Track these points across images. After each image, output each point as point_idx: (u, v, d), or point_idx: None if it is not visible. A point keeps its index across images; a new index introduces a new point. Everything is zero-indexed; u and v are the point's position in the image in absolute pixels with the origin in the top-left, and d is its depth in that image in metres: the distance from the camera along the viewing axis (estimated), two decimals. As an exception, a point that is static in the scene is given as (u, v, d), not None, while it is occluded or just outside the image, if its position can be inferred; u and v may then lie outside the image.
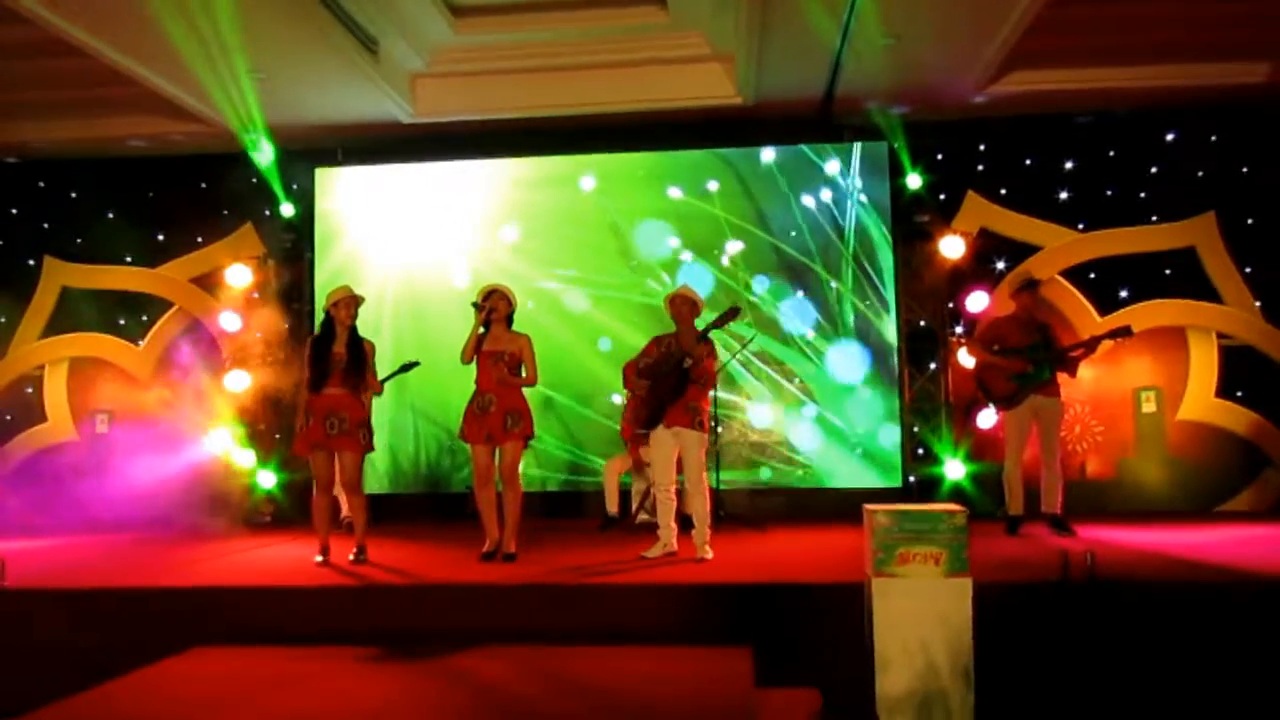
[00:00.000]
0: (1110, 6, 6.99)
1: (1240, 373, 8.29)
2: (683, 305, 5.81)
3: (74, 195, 9.45)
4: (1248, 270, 8.32)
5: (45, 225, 9.49)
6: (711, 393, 6.12)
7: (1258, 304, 8.30)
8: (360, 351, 5.83)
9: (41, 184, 9.52)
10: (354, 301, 5.89)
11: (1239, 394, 8.29)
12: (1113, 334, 6.68)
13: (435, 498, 8.75)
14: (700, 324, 5.75)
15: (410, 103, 8.34)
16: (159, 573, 5.66)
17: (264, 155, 8.53)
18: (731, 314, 5.68)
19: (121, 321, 9.30)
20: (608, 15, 7.63)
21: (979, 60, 7.47)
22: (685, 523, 5.96)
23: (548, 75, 8.14)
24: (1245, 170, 8.43)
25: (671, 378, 5.69)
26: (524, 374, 5.85)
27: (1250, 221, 8.38)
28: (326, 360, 5.77)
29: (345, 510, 6.39)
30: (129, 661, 4.34)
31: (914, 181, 8.34)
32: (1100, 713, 4.29)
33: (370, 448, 5.94)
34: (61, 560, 6.34)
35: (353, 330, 5.87)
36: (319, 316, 6.13)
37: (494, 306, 5.80)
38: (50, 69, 7.53)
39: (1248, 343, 8.30)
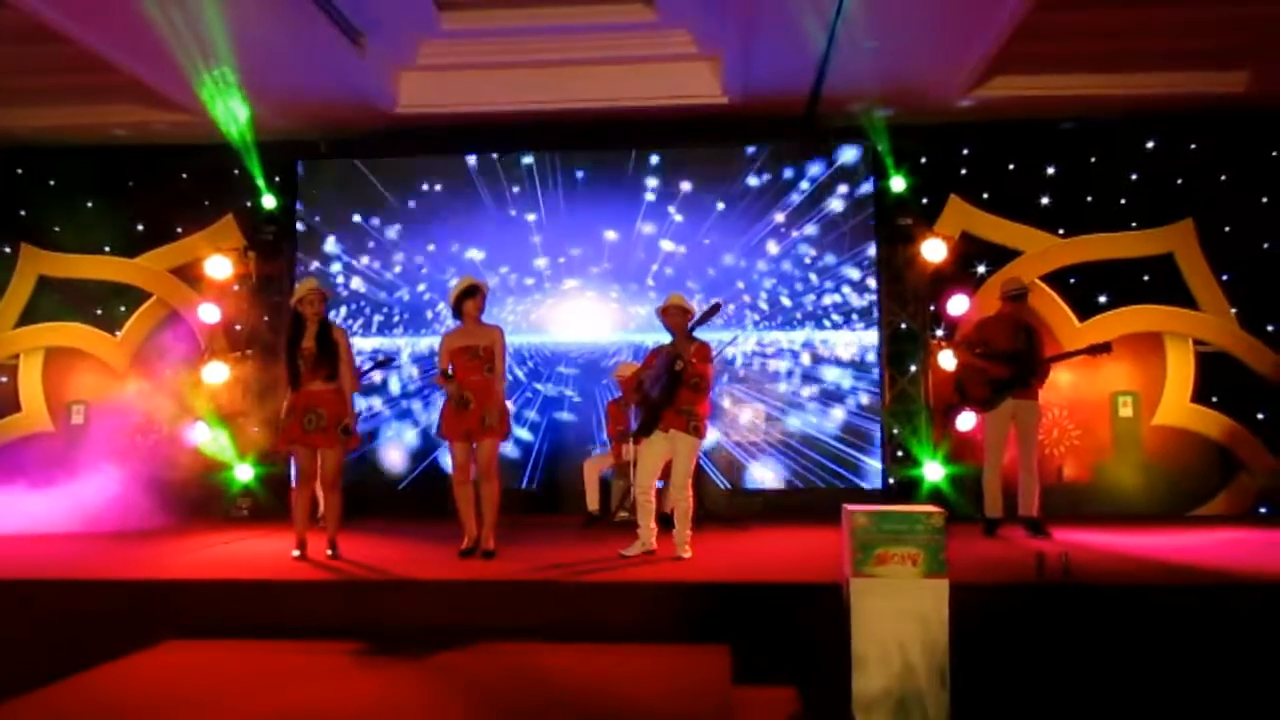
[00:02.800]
0: (1094, 14, 7.04)
1: (1216, 378, 8.38)
2: (676, 315, 5.82)
3: (52, 183, 9.35)
4: (1224, 277, 8.42)
5: (22, 212, 9.37)
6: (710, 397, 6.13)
7: (1233, 310, 8.40)
8: (329, 342, 5.80)
9: (19, 171, 9.41)
10: (318, 296, 5.86)
11: (1214, 399, 8.38)
12: (1092, 349, 6.80)
13: (414, 493, 8.70)
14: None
15: (394, 95, 8.30)
16: (133, 565, 5.61)
17: (246, 146, 8.47)
18: (714, 309, 5.70)
19: (99, 311, 9.20)
20: (595, 11, 7.60)
21: (964, 64, 7.52)
22: (665, 522, 5.98)
23: (533, 70, 8.11)
24: (1223, 179, 8.52)
25: (663, 381, 5.70)
26: (495, 366, 5.83)
27: (1227, 229, 8.47)
28: (297, 356, 5.76)
29: (323, 506, 6.37)
30: (100, 655, 4.29)
31: (897, 184, 8.37)
32: (1074, 714, 4.32)
33: (352, 447, 5.90)
34: (34, 552, 6.27)
35: (323, 323, 5.85)
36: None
37: (468, 313, 5.79)
38: (30, 55, 7.44)
39: (1223, 349, 8.39)
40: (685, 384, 5.69)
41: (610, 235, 8.77)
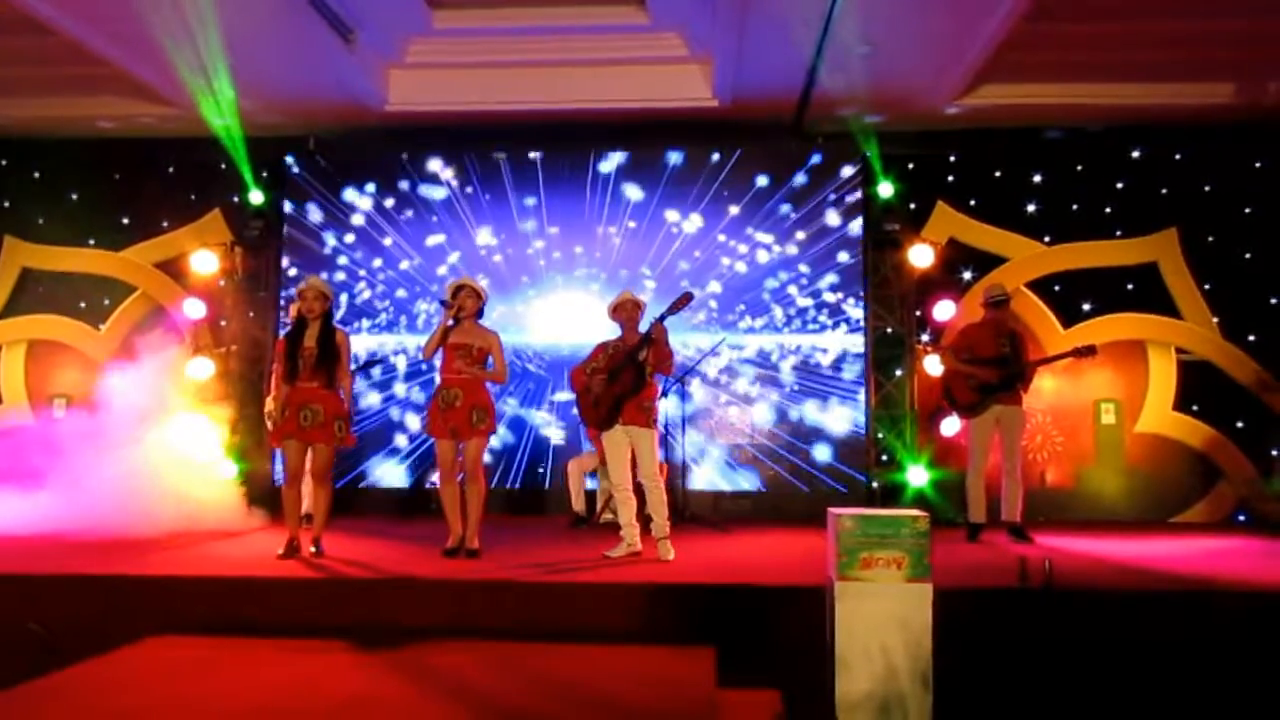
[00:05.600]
0: (1082, 25, 7.08)
1: (1197, 387, 8.47)
2: (633, 310, 5.87)
3: (37, 175, 9.29)
4: (1207, 287, 8.50)
5: (6, 204, 9.32)
6: (661, 383, 6.13)
7: (1216, 320, 8.48)
8: (331, 344, 5.79)
9: (3, 162, 9.35)
10: (318, 295, 5.84)
11: (1195, 408, 8.45)
12: (1077, 352, 6.84)
13: (400, 492, 8.68)
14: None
15: (384, 93, 8.27)
16: (116, 561, 5.56)
17: (233, 141, 8.42)
18: (685, 299, 5.74)
19: (83, 305, 9.14)
20: (587, 12, 7.60)
21: (953, 72, 7.57)
22: (648, 523, 5.98)
23: (524, 70, 8.11)
24: (1207, 189, 8.60)
25: (628, 373, 5.71)
26: (496, 369, 5.85)
27: (1211, 239, 8.55)
28: (298, 354, 5.74)
29: (307, 505, 6.34)
30: (83, 651, 4.27)
31: (885, 190, 8.41)
32: (1055, 718, 4.35)
33: (347, 441, 5.89)
34: (14, 545, 6.22)
35: (325, 323, 5.83)
36: (285, 306, 6.06)
37: (461, 305, 5.77)
38: (16, 46, 7.39)
39: (1205, 358, 8.47)
40: (651, 372, 5.72)
41: (598, 236, 8.78)
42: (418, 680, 3.91)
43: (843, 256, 8.61)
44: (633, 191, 8.77)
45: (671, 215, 8.73)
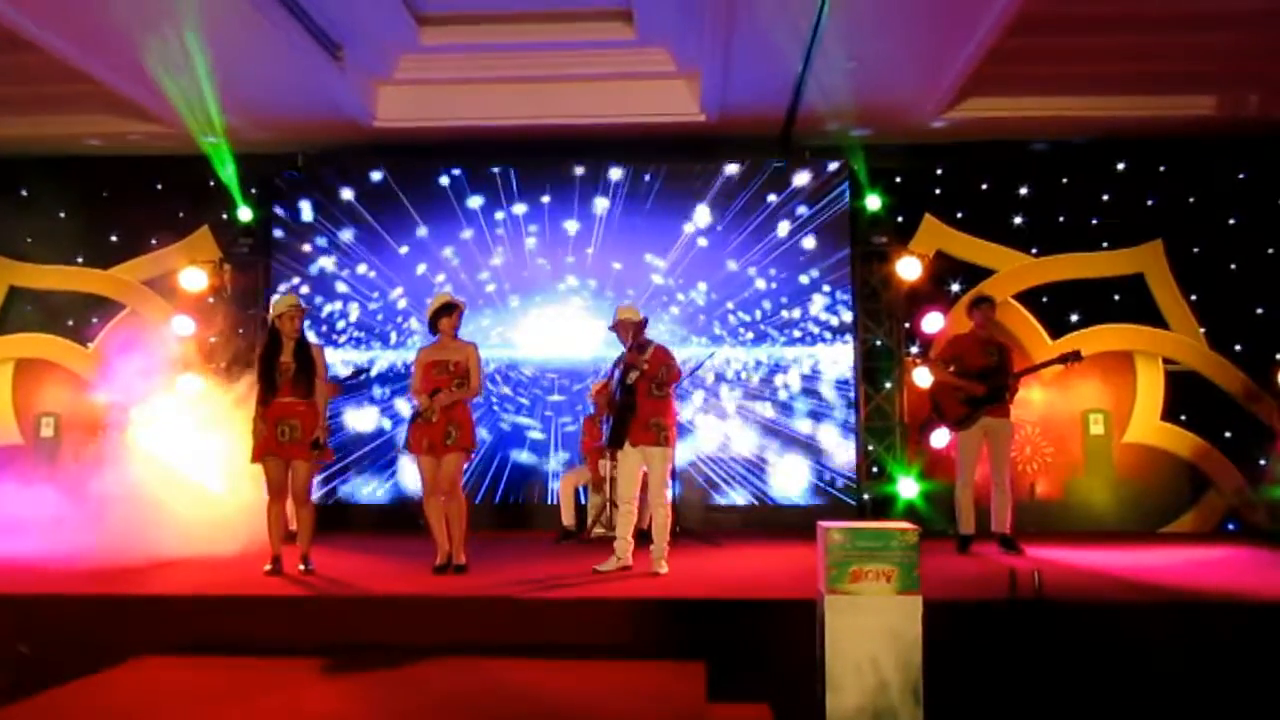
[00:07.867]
0: (1067, 37, 7.14)
1: (1185, 397, 8.49)
2: (628, 326, 5.90)
3: (24, 193, 9.25)
4: (1193, 297, 8.55)
5: (-7, 222, 9.29)
6: (677, 405, 6.16)
7: (1202, 330, 8.52)
8: (308, 359, 5.80)
9: (-9, 180, 9.32)
10: (298, 313, 5.87)
11: (1183, 418, 8.48)
12: (1063, 359, 6.86)
13: (387, 507, 8.64)
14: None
15: (372, 109, 8.28)
16: (102, 580, 5.52)
17: (222, 158, 8.42)
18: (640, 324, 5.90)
19: (70, 323, 9.10)
20: (575, 28, 7.63)
21: (939, 86, 7.62)
22: (643, 537, 5.98)
23: (512, 86, 8.13)
24: (1192, 200, 8.66)
25: (620, 396, 5.79)
26: (470, 382, 5.85)
27: (1196, 250, 8.60)
28: (275, 371, 5.74)
29: (295, 521, 6.32)
30: (69, 672, 4.23)
31: (873, 203, 8.44)
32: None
33: (324, 456, 5.89)
34: (11, 564, 6.17)
35: (300, 339, 5.85)
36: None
37: (442, 328, 5.82)
38: (3, 64, 7.37)
39: (1192, 368, 8.51)
40: (644, 394, 5.73)
41: (587, 251, 8.78)
42: (407, 697, 3.89)
43: (830, 269, 8.63)
44: (620, 206, 8.79)
45: (658, 229, 8.74)
